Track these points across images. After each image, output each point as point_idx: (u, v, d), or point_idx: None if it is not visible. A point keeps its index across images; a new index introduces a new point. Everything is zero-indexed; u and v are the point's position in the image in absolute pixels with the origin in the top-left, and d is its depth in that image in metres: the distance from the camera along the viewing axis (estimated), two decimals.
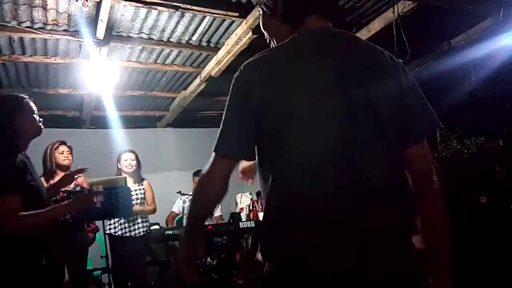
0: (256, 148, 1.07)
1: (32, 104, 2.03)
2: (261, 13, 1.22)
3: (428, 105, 1.12)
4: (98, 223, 3.87)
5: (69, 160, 3.62)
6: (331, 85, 1.02)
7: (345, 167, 0.98)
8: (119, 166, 4.15)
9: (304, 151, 0.99)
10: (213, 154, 1.08)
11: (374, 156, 1.00)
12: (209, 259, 3.70)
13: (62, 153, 3.60)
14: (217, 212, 4.98)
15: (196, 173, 4.84)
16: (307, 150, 0.99)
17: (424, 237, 1.10)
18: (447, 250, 1.09)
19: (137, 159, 4.17)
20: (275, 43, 1.20)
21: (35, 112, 2.03)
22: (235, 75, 1.08)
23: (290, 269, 0.97)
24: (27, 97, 2.04)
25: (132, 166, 4.11)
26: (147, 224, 4.14)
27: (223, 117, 1.07)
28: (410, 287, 1.00)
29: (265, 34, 1.25)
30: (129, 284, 3.85)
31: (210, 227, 4.00)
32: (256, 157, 1.09)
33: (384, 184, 1.00)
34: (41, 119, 2.05)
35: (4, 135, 1.89)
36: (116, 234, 3.92)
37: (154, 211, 4.20)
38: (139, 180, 4.19)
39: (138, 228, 4.02)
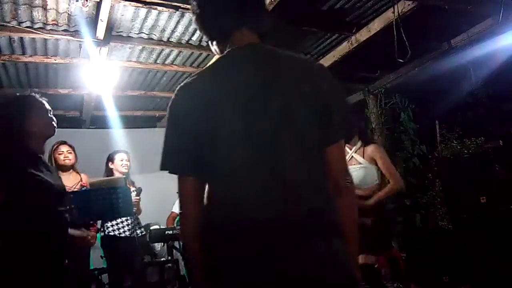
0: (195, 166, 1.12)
1: (45, 103, 1.98)
2: None
3: (349, 109, 1.19)
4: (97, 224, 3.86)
5: (70, 159, 3.56)
6: (253, 101, 1.08)
7: (270, 177, 1.04)
8: (111, 166, 4.02)
9: (232, 167, 1.05)
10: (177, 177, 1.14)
11: (297, 166, 1.05)
12: None
13: (62, 153, 3.56)
14: None
15: None
16: (234, 165, 1.05)
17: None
18: (357, 243, 1.16)
19: (129, 160, 4.11)
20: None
21: (49, 111, 1.99)
22: (171, 99, 1.17)
23: (225, 275, 1.02)
24: (39, 96, 2.00)
25: (128, 167, 4.05)
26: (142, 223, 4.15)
27: (163, 140, 1.15)
28: (346, 285, 1.05)
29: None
30: (129, 284, 3.85)
31: None
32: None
33: (307, 188, 1.06)
34: (54, 119, 2.01)
35: (10, 140, 1.86)
36: (120, 235, 3.89)
37: (141, 211, 4.19)
38: (131, 181, 4.15)
39: (140, 227, 4.02)
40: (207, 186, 1.12)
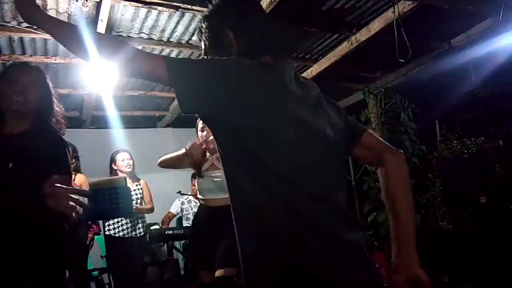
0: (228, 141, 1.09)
1: None
2: (206, 45, 1.23)
3: None
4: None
5: None
6: (302, 113, 1.10)
7: (322, 185, 1.07)
8: (115, 167, 4.05)
9: (295, 166, 1.05)
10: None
11: (338, 179, 1.14)
12: None
13: None
14: None
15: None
16: (297, 165, 1.05)
17: (388, 197, 1.20)
18: (412, 209, 1.19)
19: (132, 157, 4.12)
20: None
21: None
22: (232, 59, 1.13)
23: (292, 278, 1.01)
24: None
25: (131, 165, 4.07)
26: (145, 223, 4.13)
27: (196, 74, 1.04)
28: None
29: None
30: (129, 284, 3.85)
31: None
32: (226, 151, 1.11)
33: (344, 200, 1.13)
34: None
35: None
36: (116, 235, 3.89)
37: (152, 210, 4.18)
38: (136, 179, 4.16)
39: (139, 228, 4.02)
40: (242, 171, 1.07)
